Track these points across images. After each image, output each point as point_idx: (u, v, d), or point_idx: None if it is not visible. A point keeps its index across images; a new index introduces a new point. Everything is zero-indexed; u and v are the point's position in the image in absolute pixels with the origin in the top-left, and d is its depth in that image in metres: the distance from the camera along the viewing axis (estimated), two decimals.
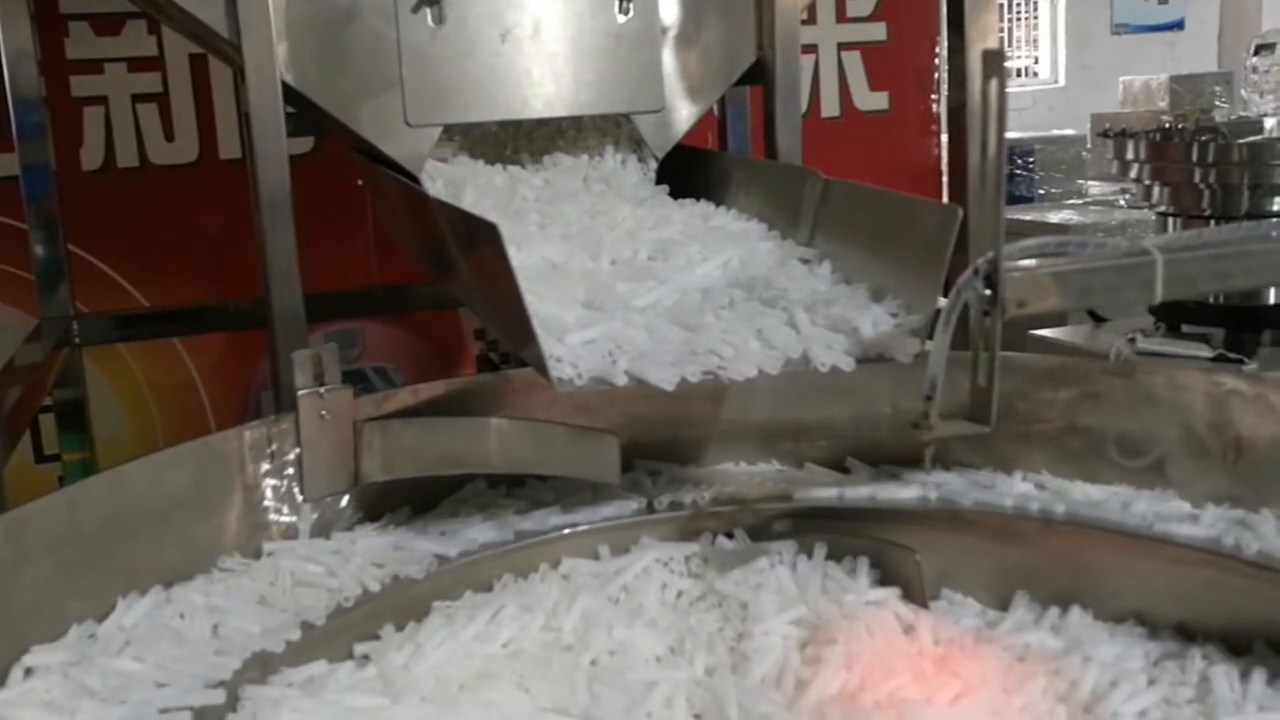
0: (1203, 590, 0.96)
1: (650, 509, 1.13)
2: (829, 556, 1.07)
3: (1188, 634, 0.96)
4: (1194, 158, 2.35)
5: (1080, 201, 4.42)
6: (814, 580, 1.04)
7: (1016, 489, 1.10)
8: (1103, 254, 0.89)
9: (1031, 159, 4.63)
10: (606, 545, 1.09)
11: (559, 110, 1.44)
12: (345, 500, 1.12)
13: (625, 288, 1.09)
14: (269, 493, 1.08)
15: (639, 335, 0.98)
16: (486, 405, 1.16)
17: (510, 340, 1.13)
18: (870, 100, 2.79)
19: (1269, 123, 3.27)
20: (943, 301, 0.94)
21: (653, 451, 1.22)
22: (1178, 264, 0.88)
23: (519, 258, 1.07)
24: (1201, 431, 1.06)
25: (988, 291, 0.87)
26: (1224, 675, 0.89)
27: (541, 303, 1.00)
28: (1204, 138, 2.48)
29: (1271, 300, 2.24)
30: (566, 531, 1.10)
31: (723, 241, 1.22)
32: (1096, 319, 2.58)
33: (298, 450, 1.09)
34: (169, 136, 2.43)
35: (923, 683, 0.89)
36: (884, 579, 1.04)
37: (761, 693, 0.91)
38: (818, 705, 0.87)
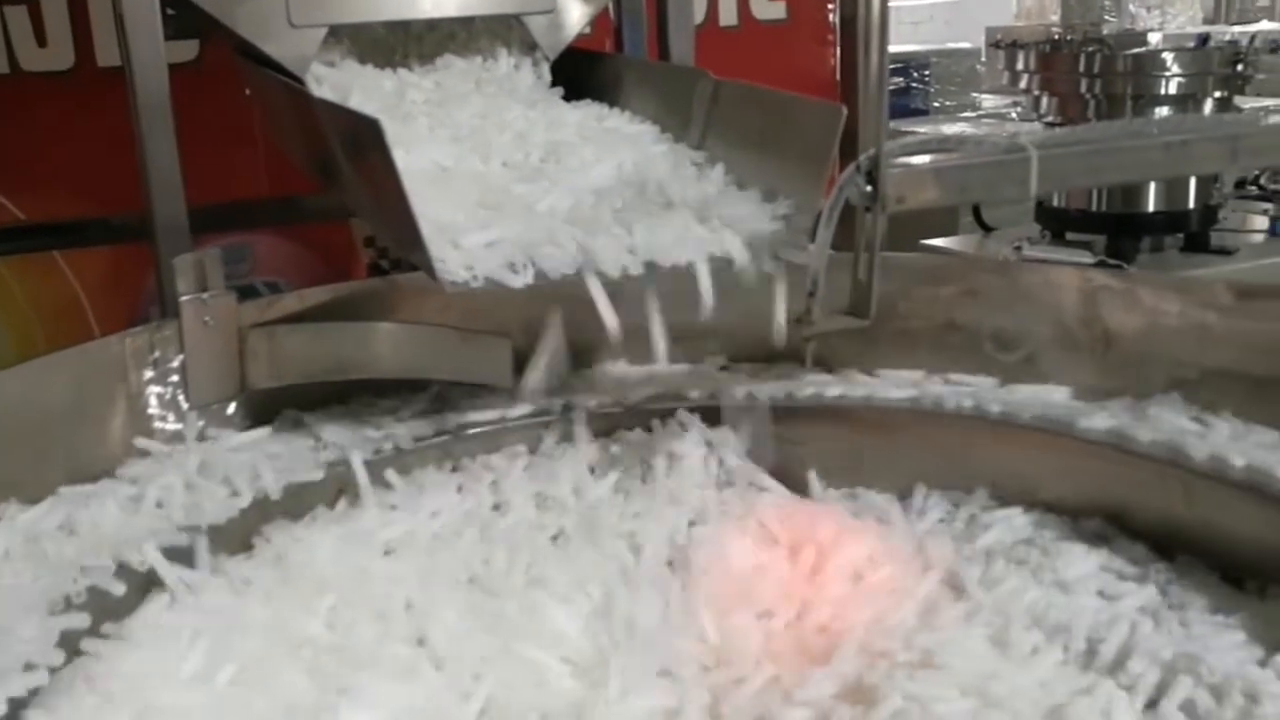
0: (1086, 476, 1.00)
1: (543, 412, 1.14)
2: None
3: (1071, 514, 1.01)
4: (1080, 68, 2.40)
5: (974, 114, 4.46)
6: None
7: (900, 383, 1.13)
8: (980, 150, 0.91)
9: (927, 72, 4.65)
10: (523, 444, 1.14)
11: (448, 11, 1.40)
12: (232, 408, 1.11)
13: (520, 189, 1.08)
14: (153, 400, 1.06)
15: (536, 236, 0.98)
16: (377, 311, 1.15)
17: (399, 245, 1.12)
18: (768, 10, 2.78)
19: (1154, 36, 3.34)
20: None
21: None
22: (1052, 160, 0.91)
23: (406, 160, 1.04)
24: (1073, 325, 1.09)
25: (869, 188, 0.88)
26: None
27: (429, 205, 0.99)
28: (1090, 49, 2.53)
29: (1150, 208, 2.31)
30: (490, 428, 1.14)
31: (616, 144, 1.21)
32: (985, 228, 2.64)
33: (182, 357, 1.08)
34: (41, 42, 2.32)
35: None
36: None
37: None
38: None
